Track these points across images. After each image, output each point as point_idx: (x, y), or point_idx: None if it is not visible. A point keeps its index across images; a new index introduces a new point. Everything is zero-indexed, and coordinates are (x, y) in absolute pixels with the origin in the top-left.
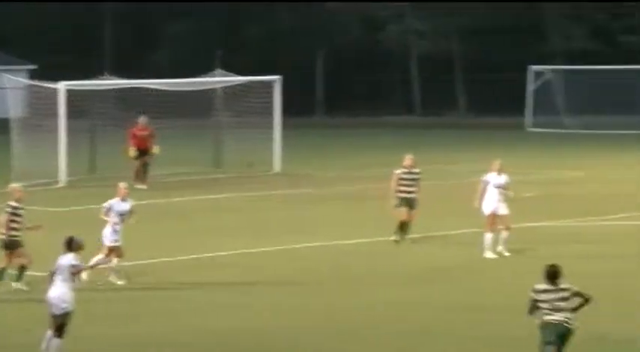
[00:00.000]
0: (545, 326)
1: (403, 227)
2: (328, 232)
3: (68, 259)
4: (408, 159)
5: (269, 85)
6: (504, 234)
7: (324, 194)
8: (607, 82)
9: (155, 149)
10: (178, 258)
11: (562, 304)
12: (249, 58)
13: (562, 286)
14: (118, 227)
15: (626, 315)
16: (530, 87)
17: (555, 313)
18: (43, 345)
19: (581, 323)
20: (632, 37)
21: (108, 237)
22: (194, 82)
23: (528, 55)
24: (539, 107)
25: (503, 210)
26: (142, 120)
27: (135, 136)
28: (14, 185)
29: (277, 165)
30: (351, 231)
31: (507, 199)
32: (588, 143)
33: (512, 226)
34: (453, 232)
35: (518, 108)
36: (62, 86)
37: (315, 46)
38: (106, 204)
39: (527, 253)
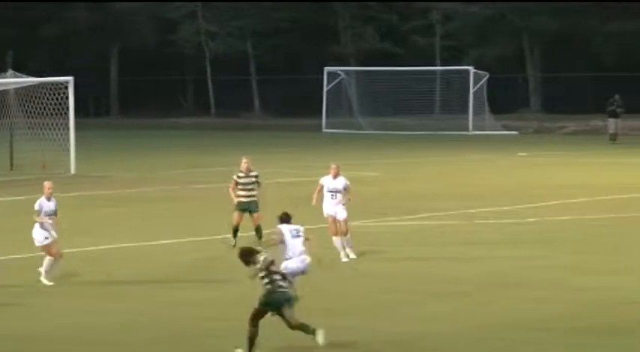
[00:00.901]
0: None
1: (236, 230)
2: (124, 234)
3: None
4: (244, 162)
5: (62, 85)
6: (346, 237)
7: (119, 195)
8: (400, 83)
9: None
10: None
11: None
12: (43, 59)
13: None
14: (49, 226)
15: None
16: (325, 88)
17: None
18: None
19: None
20: (423, 38)
21: (37, 237)
22: None
23: (324, 56)
24: (335, 108)
25: (340, 214)
26: None
27: None
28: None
29: (72, 166)
30: (151, 233)
31: (344, 203)
32: (383, 144)
33: (308, 226)
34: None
35: (315, 109)
36: None
37: (108, 47)
38: (37, 206)
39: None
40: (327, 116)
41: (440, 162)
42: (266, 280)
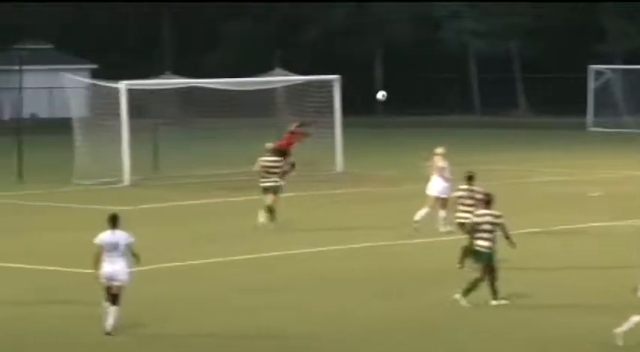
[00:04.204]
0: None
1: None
2: (386, 231)
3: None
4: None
5: (329, 84)
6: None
7: (385, 193)
8: None
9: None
10: (240, 256)
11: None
12: (307, 58)
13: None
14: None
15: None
16: (591, 86)
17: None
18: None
19: None
20: None
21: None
22: (255, 81)
23: (588, 54)
24: (600, 107)
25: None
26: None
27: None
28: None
29: (339, 164)
30: (409, 231)
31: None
32: None
33: (578, 226)
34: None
35: (578, 107)
36: (123, 85)
37: (372, 46)
38: None
39: (589, 251)
40: (594, 115)
41: None
42: None
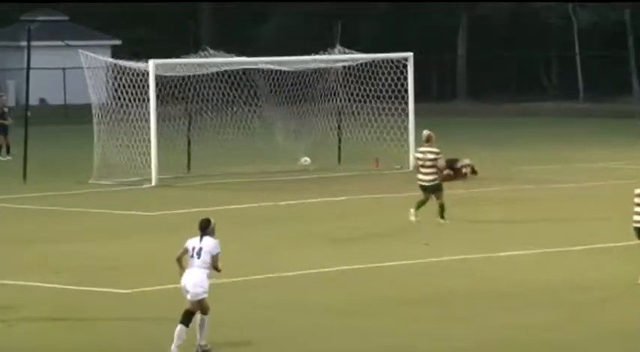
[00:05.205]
0: None
1: None
2: (464, 242)
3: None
4: None
5: (400, 63)
6: None
7: (462, 196)
8: None
9: None
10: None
11: None
12: (375, 33)
13: None
14: None
15: None
16: None
17: None
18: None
19: None
20: None
21: None
22: (311, 60)
23: None
24: None
25: None
26: None
27: None
28: None
29: (411, 160)
30: (491, 242)
31: None
32: None
33: None
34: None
35: None
36: (152, 64)
37: (454, 19)
38: None
39: None
40: None
41: None
42: None
